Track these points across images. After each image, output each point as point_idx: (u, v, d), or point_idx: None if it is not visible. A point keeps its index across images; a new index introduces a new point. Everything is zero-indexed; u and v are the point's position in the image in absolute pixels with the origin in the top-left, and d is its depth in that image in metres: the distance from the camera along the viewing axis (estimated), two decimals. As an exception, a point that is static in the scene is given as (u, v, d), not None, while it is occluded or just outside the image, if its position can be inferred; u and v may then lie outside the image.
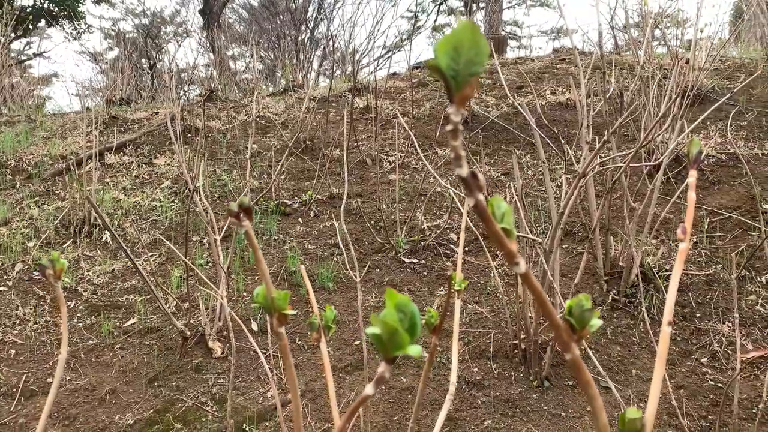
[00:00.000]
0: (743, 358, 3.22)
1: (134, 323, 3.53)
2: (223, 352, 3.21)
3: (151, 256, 4.24)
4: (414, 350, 0.53)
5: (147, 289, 3.81)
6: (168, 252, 4.28)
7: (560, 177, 4.33)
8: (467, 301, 3.76)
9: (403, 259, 4.19)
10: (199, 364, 3.18)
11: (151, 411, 2.89)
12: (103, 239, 4.45)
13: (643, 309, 3.17)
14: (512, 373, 3.15)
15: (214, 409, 2.88)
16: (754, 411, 2.84)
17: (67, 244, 4.41)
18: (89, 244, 4.42)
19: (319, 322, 1.69)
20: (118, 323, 3.55)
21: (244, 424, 2.79)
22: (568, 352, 0.62)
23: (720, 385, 3.01)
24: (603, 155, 4.10)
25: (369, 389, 0.58)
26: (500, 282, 3.59)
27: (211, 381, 3.06)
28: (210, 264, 4.10)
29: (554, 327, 0.60)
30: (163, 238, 4.04)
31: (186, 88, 11.27)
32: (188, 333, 3.20)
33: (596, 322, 0.65)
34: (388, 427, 2.83)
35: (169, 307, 3.48)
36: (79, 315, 3.64)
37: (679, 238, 0.76)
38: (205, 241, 4.39)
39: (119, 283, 3.97)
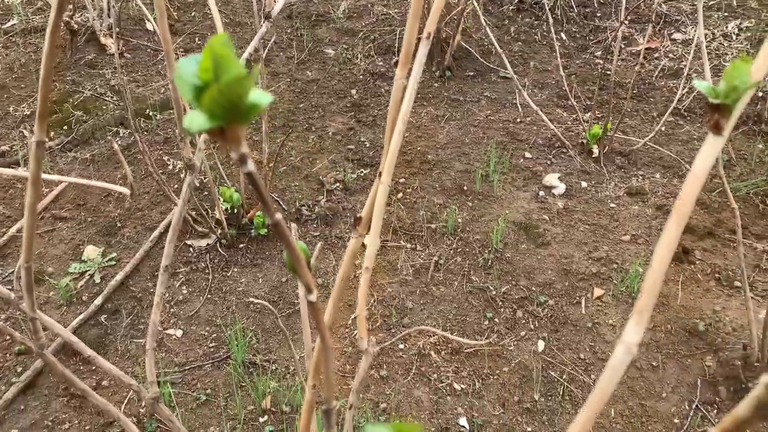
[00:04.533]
0: (633, 51, 3.40)
1: (15, 24, 3.26)
2: (118, 49, 3.06)
3: (25, -40, 3.77)
4: None
5: (25, -8, 3.46)
6: (44, -44, 3.81)
7: None
8: (374, 3, 3.66)
9: (309, -36, 3.94)
10: (93, 60, 3.03)
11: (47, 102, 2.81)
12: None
13: (547, 10, 3.20)
14: (416, 65, 3.21)
15: (115, 99, 2.83)
16: (634, 91, 3.08)
17: None
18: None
19: None
20: (-4, 25, 3.27)
21: (148, 110, 2.78)
22: None
23: (607, 72, 3.20)
24: None
25: None
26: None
27: (108, 75, 2.96)
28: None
29: None
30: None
31: None
32: (75, 26, 3.00)
33: None
34: (293, 111, 2.90)
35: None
36: (-51, 18, 3.31)
37: None
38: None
39: (-9, -14, 3.57)
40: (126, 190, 0.76)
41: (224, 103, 0.32)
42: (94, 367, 1.92)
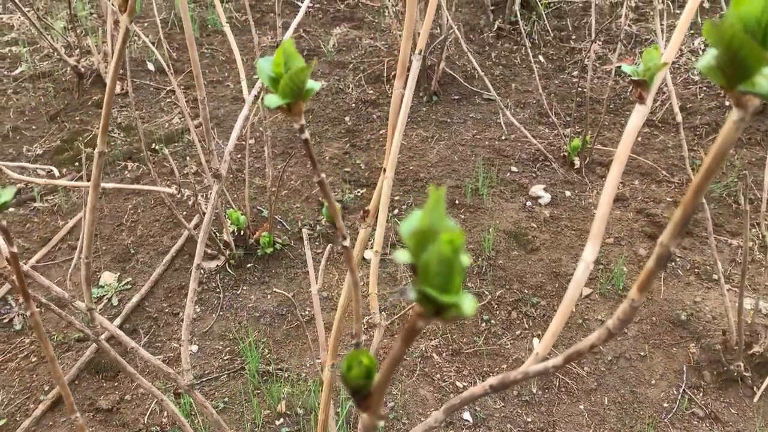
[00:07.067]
0: (607, 69, 3.61)
1: (23, 71, 3.43)
2: (122, 89, 3.23)
3: (28, 11, 3.97)
4: None
5: (30, 40, 3.64)
6: (46, 6, 4.02)
7: None
8: (362, 37, 3.87)
9: (297, 2, 4.16)
10: (99, 100, 3.20)
11: (59, 142, 2.96)
12: (-32, -4, 4.08)
13: (524, 35, 3.41)
14: (405, 92, 3.39)
15: (122, 135, 2.99)
16: (610, 106, 3.27)
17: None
18: (-47, 2, 4.05)
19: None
20: (5, 72, 3.44)
21: (154, 145, 2.94)
22: None
23: (584, 90, 3.40)
24: None
25: None
26: (394, 18, 3.69)
27: (115, 114, 3.12)
28: (94, 15, 3.92)
29: None
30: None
31: None
32: (82, 69, 3.17)
33: None
34: (291, 139, 3.06)
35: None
36: (-41, 67, 3.48)
37: None
38: (85, -6, 4.13)
39: (-3, 36, 3.76)
40: (172, 190, 0.90)
41: (292, 87, 0.46)
42: (116, 383, 2.03)
